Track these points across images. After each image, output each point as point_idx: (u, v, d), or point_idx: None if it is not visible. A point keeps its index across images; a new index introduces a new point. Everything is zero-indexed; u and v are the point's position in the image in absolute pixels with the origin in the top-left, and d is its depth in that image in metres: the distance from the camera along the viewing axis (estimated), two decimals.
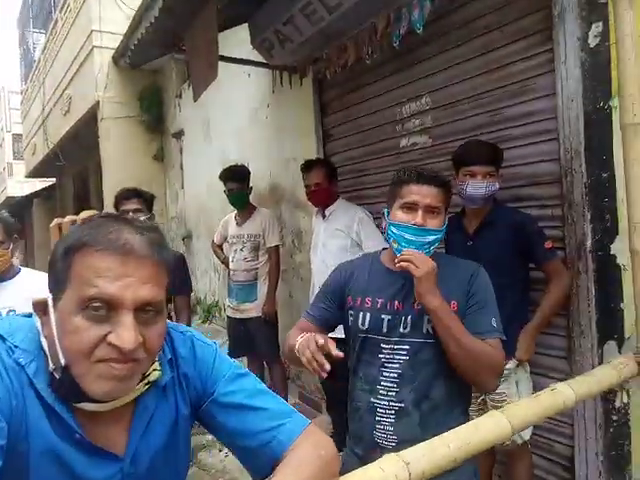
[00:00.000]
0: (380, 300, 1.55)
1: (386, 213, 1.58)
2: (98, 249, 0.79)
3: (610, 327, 2.09)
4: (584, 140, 2.11)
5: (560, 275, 2.15)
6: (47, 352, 0.83)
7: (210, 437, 4.41)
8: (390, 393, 1.50)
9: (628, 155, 1.61)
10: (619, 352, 2.07)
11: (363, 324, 1.55)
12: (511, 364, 2.16)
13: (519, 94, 2.41)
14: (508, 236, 2.16)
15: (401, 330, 1.50)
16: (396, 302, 1.53)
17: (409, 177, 1.51)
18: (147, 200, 2.98)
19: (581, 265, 2.15)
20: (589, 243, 2.12)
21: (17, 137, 20.12)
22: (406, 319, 1.50)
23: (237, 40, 4.05)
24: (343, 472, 0.92)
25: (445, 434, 1.09)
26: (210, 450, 4.23)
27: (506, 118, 2.48)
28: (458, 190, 2.22)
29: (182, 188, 6.75)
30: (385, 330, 1.52)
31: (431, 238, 1.48)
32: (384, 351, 1.52)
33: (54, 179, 13.44)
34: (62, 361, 0.80)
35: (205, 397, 0.98)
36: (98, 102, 6.99)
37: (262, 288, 3.74)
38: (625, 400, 1.74)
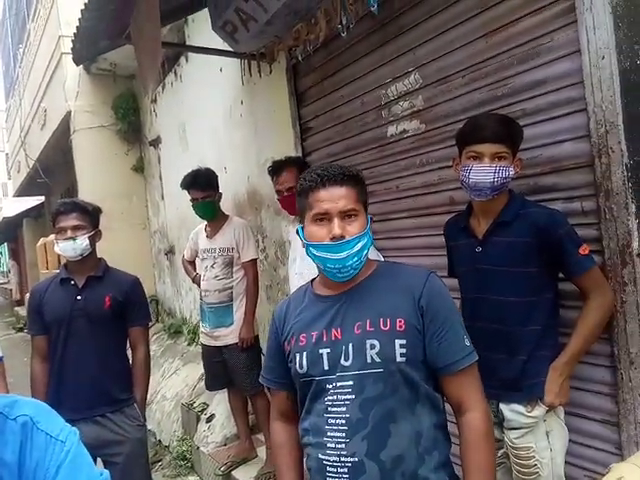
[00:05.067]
0: (315, 333, 1.30)
1: (300, 231, 1.34)
2: None
3: None
4: (622, 108, 1.60)
5: (601, 289, 1.62)
6: None
7: None
8: (339, 445, 1.21)
9: None
10: None
11: (301, 366, 1.30)
12: (539, 410, 1.63)
13: (530, 57, 1.89)
14: (531, 240, 1.64)
15: (342, 362, 1.25)
16: (333, 330, 1.28)
17: (312, 183, 1.28)
18: (91, 214, 2.47)
19: (626, 273, 1.63)
20: (636, 244, 1.60)
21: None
22: (347, 348, 1.25)
23: (209, 30, 3.53)
24: None
25: None
26: None
27: (514, 90, 1.96)
28: (461, 178, 1.71)
29: (162, 199, 6.27)
30: (327, 367, 1.27)
31: (359, 245, 1.26)
32: (329, 393, 1.26)
33: (43, 197, 13.02)
34: None
35: None
36: (70, 112, 6.53)
37: (239, 310, 3.22)
38: None
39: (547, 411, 1.63)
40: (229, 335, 3.20)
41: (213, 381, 3.40)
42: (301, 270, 2.69)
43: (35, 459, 0.65)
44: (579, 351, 1.63)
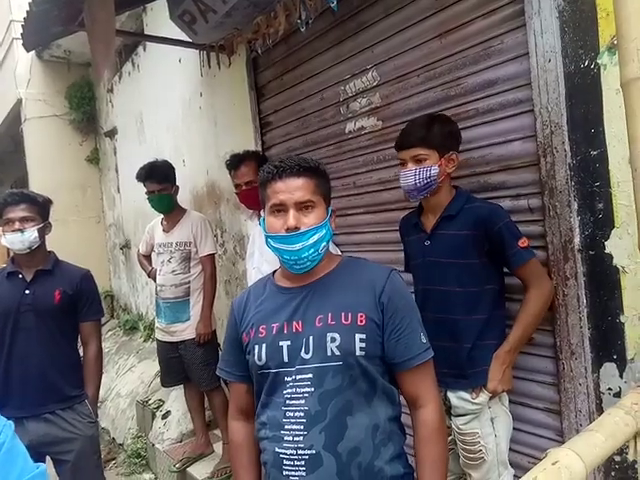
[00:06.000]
0: (275, 325, 1.30)
1: (262, 222, 1.34)
2: None
3: (608, 346, 1.65)
4: (566, 110, 1.67)
5: (538, 280, 1.69)
6: None
7: None
8: (297, 438, 1.22)
9: (635, 122, 1.16)
10: (620, 377, 1.63)
11: (260, 358, 1.29)
12: (483, 397, 1.69)
13: (481, 58, 1.94)
14: (473, 233, 1.70)
15: (302, 355, 1.25)
16: (294, 323, 1.28)
17: (270, 174, 1.29)
18: (40, 205, 2.39)
19: (568, 268, 1.70)
20: (577, 240, 1.68)
21: None
22: (307, 341, 1.25)
23: (167, 19, 3.44)
24: None
25: None
26: None
27: (466, 90, 2.01)
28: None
29: (118, 192, 6.11)
30: (286, 359, 1.26)
31: (315, 237, 1.26)
32: (287, 385, 1.25)
33: None
34: None
35: None
36: (20, 100, 6.27)
37: (196, 305, 3.19)
38: None
39: (491, 398, 1.70)
40: (185, 330, 3.17)
41: (169, 377, 3.35)
42: (259, 264, 2.69)
43: None
44: (520, 339, 1.70)
